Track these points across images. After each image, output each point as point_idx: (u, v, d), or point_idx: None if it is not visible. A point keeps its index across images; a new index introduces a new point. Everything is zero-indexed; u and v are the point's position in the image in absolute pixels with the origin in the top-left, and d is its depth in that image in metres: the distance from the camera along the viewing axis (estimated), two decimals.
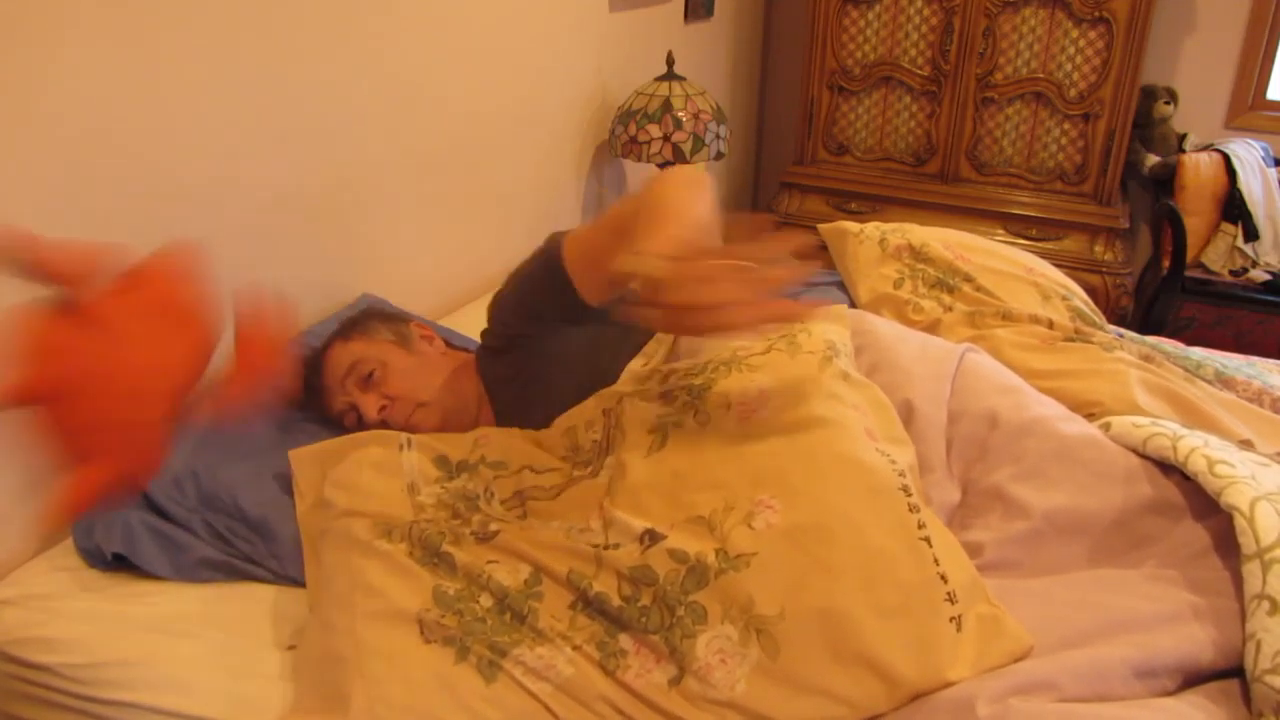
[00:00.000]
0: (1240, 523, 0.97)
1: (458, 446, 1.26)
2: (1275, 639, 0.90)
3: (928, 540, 1.01)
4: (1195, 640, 0.96)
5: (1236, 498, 0.99)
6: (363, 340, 1.40)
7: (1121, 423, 1.19)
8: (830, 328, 1.29)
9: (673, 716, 0.97)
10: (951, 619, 0.96)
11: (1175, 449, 1.09)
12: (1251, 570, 0.95)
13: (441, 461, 1.23)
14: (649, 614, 1.00)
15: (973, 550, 1.11)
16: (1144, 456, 1.14)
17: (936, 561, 1.00)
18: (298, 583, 1.23)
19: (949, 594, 0.97)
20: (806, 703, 0.94)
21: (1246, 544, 0.96)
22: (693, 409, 1.15)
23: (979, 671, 0.94)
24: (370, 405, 1.35)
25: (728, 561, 1.00)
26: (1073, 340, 1.54)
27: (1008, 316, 1.62)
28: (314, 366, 1.43)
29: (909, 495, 1.05)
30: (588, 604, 1.03)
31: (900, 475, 1.06)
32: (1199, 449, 1.07)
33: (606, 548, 1.05)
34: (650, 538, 1.04)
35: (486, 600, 1.06)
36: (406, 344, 1.41)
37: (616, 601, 1.02)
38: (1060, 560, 1.09)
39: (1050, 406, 1.24)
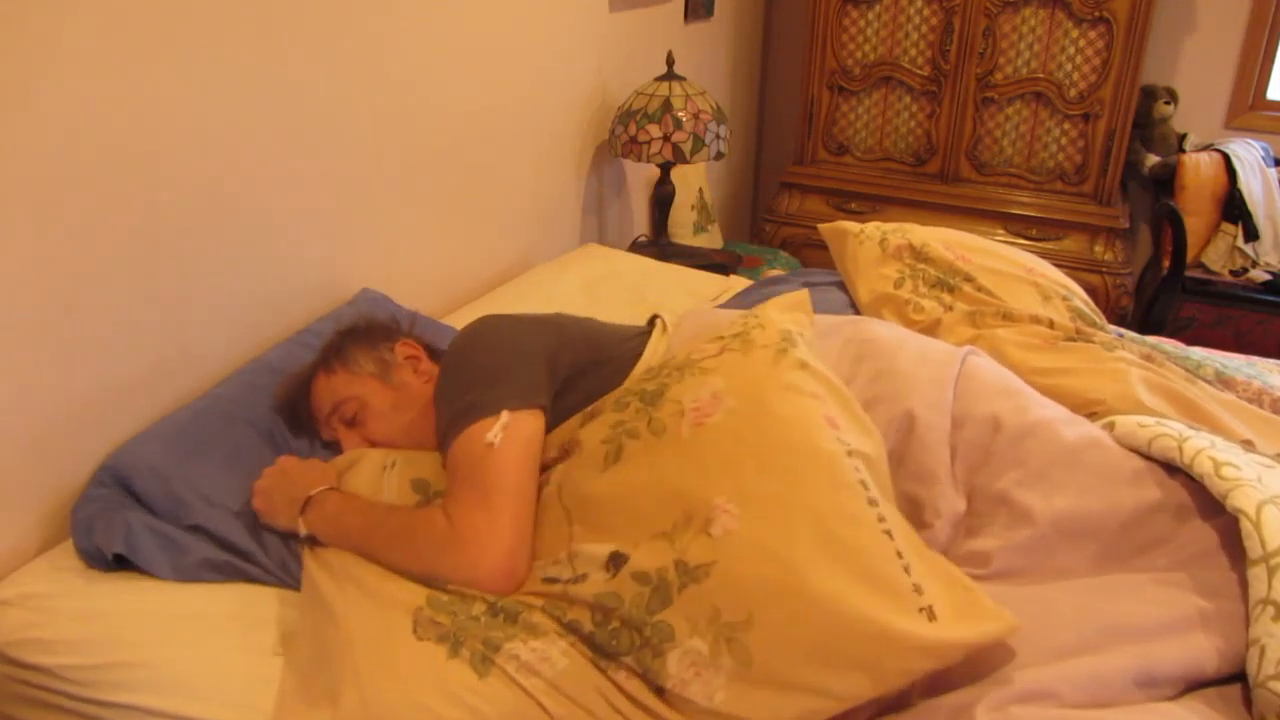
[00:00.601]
0: (1246, 526, 0.97)
1: (440, 471, 1.26)
2: (1279, 644, 0.90)
3: (889, 533, 1.00)
4: (1199, 649, 0.95)
5: (1243, 501, 0.99)
6: (344, 374, 1.38)
7: (1126, 423, 1.18)
8: (786, 317, 1.28)
9: (662, 719, 0.97)
10: (921, 609, 0.94)
11: (1181, 450, 1.08)
12: (1257, 575, 0.94)
13: (419, 485, 1.24)
14: (619, 636, 1.00)
15: (981, 560, 1.10)
16: (1148, 457, 1.13)
17: (900, 555, 0.98)
18: (296, 586, 1.23)
19: (915, 585, 0.96)
20: (790, 700, 0.94)
21: (1252, 548, 0.96)
22: (646, 416, 1.14)
23: (963, 648, 0.92)
24: (351, 447, 1.37)
25: (687, 574, 0.99)
26: (1074, 340, 1.54)
27: (1008, 316, 1.62)
28: (302, 394, 1.43)
29: (867, 489, 1.03)
30: (566, 626, 1.04)
31: (856, 469, 1.05)
32: (1205, 450, 1.07)
33: (574, 581, 1.06)
34: (615, 562, 1.04)
35: (479, 606, 1.07)
36: (387, 376, 1.38)
37: (589, 628, 1.02)
38: (1067, 566, 1.08)
39: (1052, 409, 1.24)
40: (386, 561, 1.14)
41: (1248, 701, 0.93)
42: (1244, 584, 0.97)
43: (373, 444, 1.36)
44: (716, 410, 1.11)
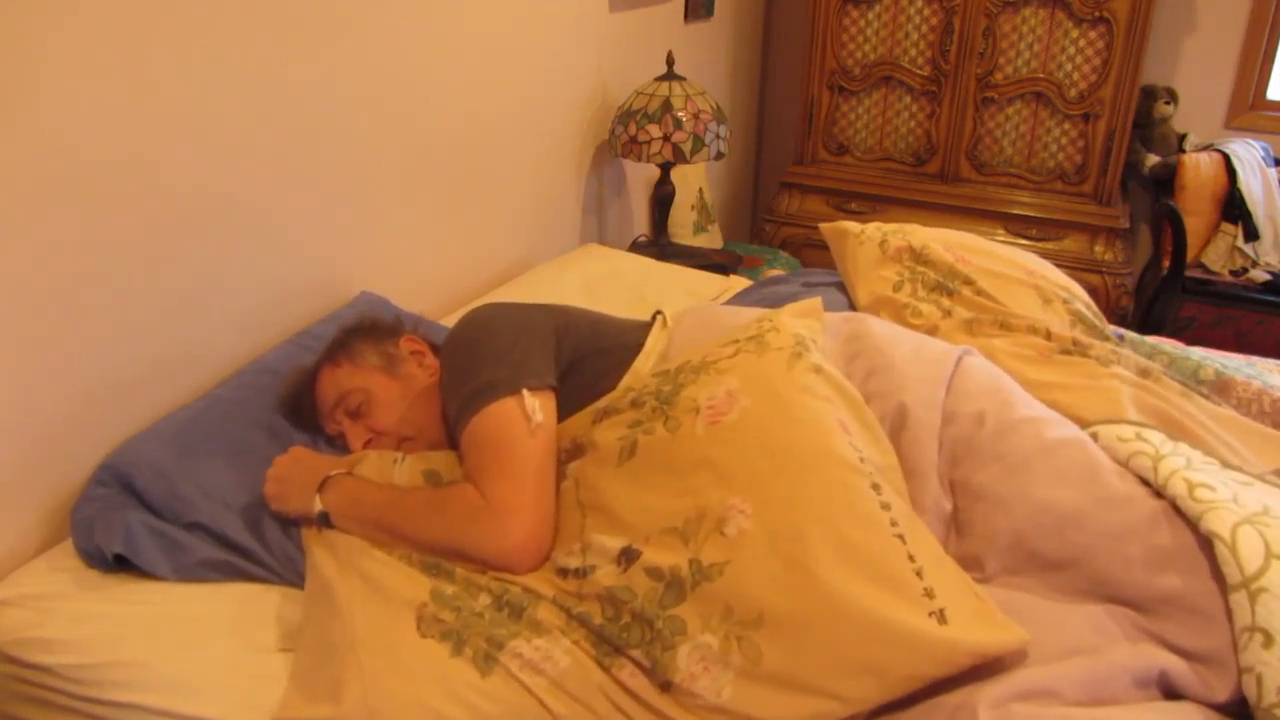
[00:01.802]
0: (1222, 551, 0.96)
1: (450, 463, 1.27)
2: (1276, 673, 0.90)
3: (901, 537, 1.00)
4: (1193, 672, 0.95)
5: (1217, 524, 0.98)
6: (349, 366, 1.39)
7: (1107, 434, 1.18)
8: (799, 322, 1.28)
9: (665, 717, 0.97)
10: (931, 614, 0.94)
11: (1156, 470, 1.08)
12: (1239, 601, 0.94)
13: (431, 475, 1.25)
14: (629, 630, 1.01)
15: (974, 565, 1.10)
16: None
17: (911, 558, 0.99)
18: (297, 584, 1.23)
19: (926, 590, 0.96)
20: (796, 701, 0.94)
21: (1230, 573, 0.95)
22: (662, 415, 1.15)
23: (971, 655, 0.92)
24: (357, 439, 1.37)
25: (701, 573, 1.00)
26: (1069, 353, 1.53)
27: (1005, 325, 1.61)
28: (306, 388, 1.44)
29: (879, 493, 1.04)
30: (574, 618, 1.05)
31: (869, 474, 1.06)
32: (1179, 471, 1.06)
33: (585, 572, 1.07)
34: (627, 556, 1.05)
35: (485, 598, 1.07)
36: (393, 369, 1.39)
37: (598, 620, 1.03)
38: (1055, 561, 1.07)
39: (1040, 409, 1.23)
40: (411, 534, 1.15)
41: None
42: (1224, 587, 0.97)
43: (378, 434, 1.36)
44: (732, 409, 1.12)
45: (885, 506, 1.03)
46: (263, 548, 1.26)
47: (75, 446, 1.35)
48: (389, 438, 1.36)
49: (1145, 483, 1.09)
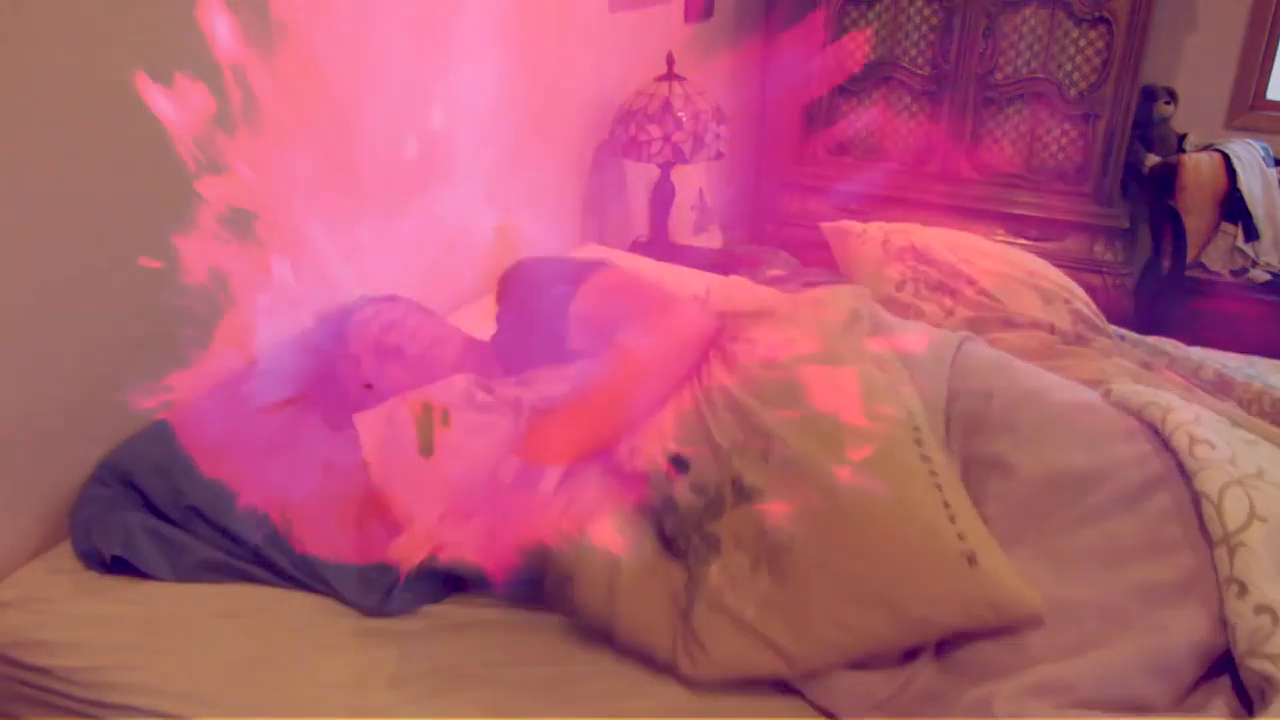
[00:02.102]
0: (1208, 510, 0.99)
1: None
2: (1247, 623, 0.92)
3: (939, 487, 1.04)
4: (1199, 627, 0.96)
5: (1207, 484, 1.01)
6: (391, 313, 1.44)
7: (1122, 389, 1.21)
8: (856, 290, 1.36)
9: (692, 629, 1.02)
10: (962, 554, 0.98)
11: (1165, 420, 1.10)
12: (1220, 556, 0.97)
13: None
14: (672, 542, 1.08)
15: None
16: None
17: (947, 505, 1.03)
18: (302, 581, 1.22)
19: (959, 533, 1.00)
20: (814, 629, 0.98)
21: (1214, 530, 0.98)
22: (720, 351, 1.22)
23: (992, 606, 0.96)
24: (392, 381, 1.36)
25: (741, 494, 1.06)
26: (1072, 344, 1.53)
27: (1010, 323, 1.61)
28: (337, 336, 1.44)
29: (920, 446, 1.08)
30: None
31: (915, 429, 1.10)
32: (1186, 425, 1.08)
33: (682, 464, 1.12)
34: (678, 465, 1.11)
35: None
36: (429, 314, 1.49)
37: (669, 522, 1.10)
38: (1063, 522, 1.07)
39: (1047, 378, 1.25)
40: (638, 388, 1.19)
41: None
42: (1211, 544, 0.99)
43: (410, 367, 1.37)
44: (790, 351, 1.19)
45: (925, 459, 1.07)
46: (264, 546, 1.25)
47: (75, 446, 1.35)
48: (425, 363, 1.37)
49: (1154, 433, 1.11)
